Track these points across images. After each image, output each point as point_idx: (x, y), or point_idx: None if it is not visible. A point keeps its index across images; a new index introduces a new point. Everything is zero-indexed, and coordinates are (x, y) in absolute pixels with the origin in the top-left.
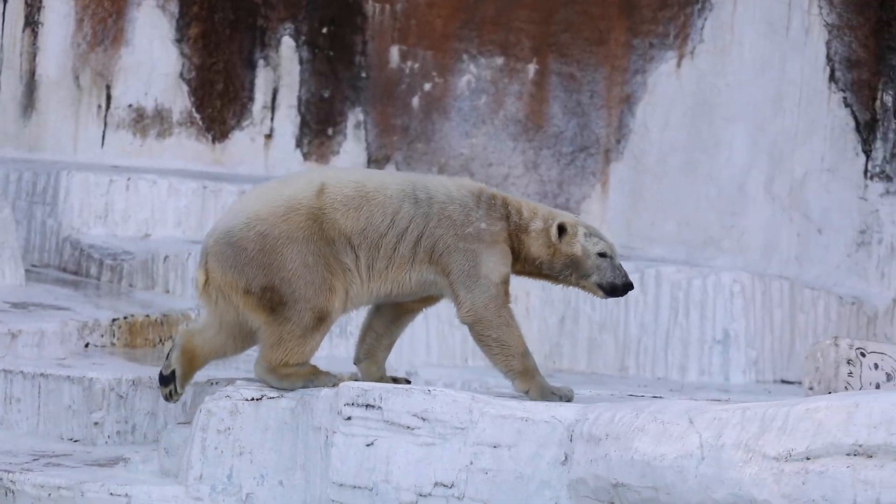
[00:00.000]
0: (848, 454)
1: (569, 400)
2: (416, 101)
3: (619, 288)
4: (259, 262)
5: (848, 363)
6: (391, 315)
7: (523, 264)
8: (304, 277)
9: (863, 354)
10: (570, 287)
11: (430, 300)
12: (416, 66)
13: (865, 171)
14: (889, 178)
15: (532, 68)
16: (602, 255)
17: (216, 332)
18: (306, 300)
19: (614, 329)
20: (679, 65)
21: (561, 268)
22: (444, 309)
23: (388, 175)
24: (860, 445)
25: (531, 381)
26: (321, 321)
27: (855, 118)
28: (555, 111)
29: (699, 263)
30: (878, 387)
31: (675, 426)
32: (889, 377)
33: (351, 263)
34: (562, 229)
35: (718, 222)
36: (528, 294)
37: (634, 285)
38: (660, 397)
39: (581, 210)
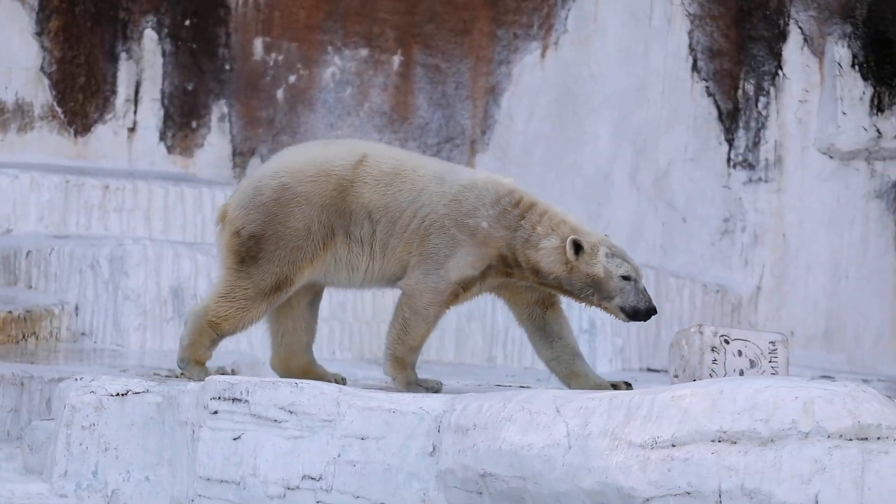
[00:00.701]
0: (713, 440)
1: (436, 391)
2: (280, 93)
3: (641, 312)
4: (267, 209)
5: (712, 350)
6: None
7: (534, 276)
8: (296, 241)
9: (727, 342)
10: (592, 307)
11: None
12: (281, 58)
13: (728, 160)
14: (751, 167)
15: (397, 59)
16: (626, 277)
17: None
18: (279, 264)
19: (482, 319)
20: (543, 55)
21: (581, 286)
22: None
23: (432, 161)
24: (724, 432)
25: (400, 372)
26: (278, 289)
27: (717, 107)
28: (420, 102)
29: None
30: (741, 373)
31: (542, 415)
32: (752, 364)
33: (365, 236)
34: (578, 247)
35: (584, 212)
36: None
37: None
38: (527, 387)
39: None
